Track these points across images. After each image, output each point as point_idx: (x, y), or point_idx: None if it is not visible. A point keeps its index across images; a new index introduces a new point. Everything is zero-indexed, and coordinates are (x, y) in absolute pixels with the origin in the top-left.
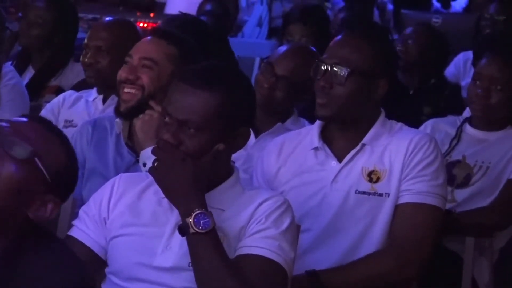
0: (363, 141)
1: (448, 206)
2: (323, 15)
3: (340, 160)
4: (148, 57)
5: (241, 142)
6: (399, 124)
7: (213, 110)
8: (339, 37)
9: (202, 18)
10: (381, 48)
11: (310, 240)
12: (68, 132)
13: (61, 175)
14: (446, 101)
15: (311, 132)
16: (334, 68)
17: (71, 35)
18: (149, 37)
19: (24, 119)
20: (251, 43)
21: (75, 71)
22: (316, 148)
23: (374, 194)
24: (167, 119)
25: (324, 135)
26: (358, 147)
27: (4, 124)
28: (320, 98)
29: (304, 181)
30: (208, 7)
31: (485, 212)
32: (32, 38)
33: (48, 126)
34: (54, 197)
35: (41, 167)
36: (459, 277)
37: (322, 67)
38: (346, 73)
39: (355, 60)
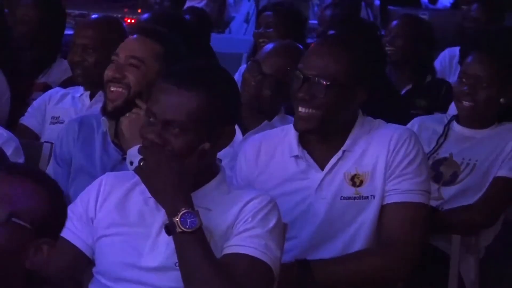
0: (344, 147)
1: (435, 203)
2: (296, 11)
3: (322, 168)
4: (134, 56)
5: (227, 141)
6: (377, 121)
7: (197, 109)
8: (317, 45)
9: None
10: (361, 56)
11: (299, 247)
12: (55, 129)
13: (49, 220)
14: (444, 99)
15: (289, 137)
16: (310, 82)
17: (58, 32)
18: (135, 36)
19: (1, 174)
20: (239, 39)
21: (62, 68)
22: (296, 156)
23: (360, 198)
24: (151, 119)
25: (303, 141)
26: (339, 154)
27: None
28: (299, 109)
29: (287, 190)
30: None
31: (472, 210)
32: (19, 36)
33: (27, 174)
34: (47, 239)
35: (23, 223)
36: (446, 275)
37: (301, 77)
38: (326, 85)
39: (334, 71)
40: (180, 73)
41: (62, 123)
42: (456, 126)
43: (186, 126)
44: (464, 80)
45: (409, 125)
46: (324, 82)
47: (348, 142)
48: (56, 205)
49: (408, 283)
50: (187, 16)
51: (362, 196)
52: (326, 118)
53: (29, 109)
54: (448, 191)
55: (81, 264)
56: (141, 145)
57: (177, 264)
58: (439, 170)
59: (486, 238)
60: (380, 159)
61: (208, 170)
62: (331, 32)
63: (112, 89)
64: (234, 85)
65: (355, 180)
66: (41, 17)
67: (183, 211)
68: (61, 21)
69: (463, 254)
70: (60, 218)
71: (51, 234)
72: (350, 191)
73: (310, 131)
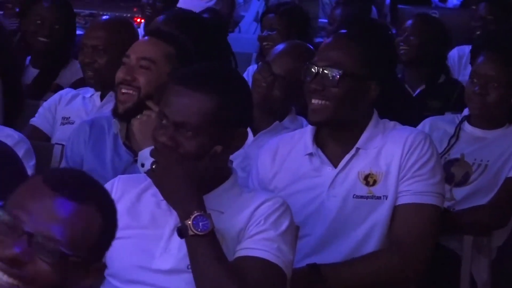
0: (357, 145)
1: (447, 204)
2: (299, 11)
3: (335, 165)
4: (145, 57)
5: (239, 143)
6: (392, 122)
7: (210, 112)
8: (330, 39)
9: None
10: (373, 51)
11: (311, 244)
12: (66, 129)
13: (99, 244)
14: (457, 101)
15: (304, 137)
16: (325, 71)
17: (71, 33)
18: (146, 37)
19: (52, 200)
20: (248, 38)
21: (73, 69)
22: (310, 154)
23: (372, 197)
24: (164, 121)
25: (318, 140)
26: (352, 151)
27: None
28: (312, 101)
29: (301, 187)
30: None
31: (484, 210)
32: (33, 38)
33: (80, 196)
34: (98, 263)
35: (76, 258)
36: (458, 276)
37: (313, 70)
38: (338, 75)
39: (347, 62)
40: (192, 76)
41: (73, 123)
42: (467, 127)
43: (199, 129)
44: (475, 80)
45: (420, 125)
46: (337, 73)
47: (361, 139)
48: (109, 226)
49: (420, 284)
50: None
51: (375, 196)
52: (338, 110)
53: (39, 110)
54: (460, 192)
55: None
56: (153, 147)
57: (189, 266)
58: (451, 171)
59: (498, 239)
60: (394, 160)
61: (220, 173)
62: (342, 31)
63: (123, 91)
64: (246, 87)
65: (368, 180)
66: (55, 19)
67: (196, 214)
68: (73, 22)
69: (475, 255)
70: (110, 240)
71: (101, 257)
72: (363, 190)
73: (323, 123)
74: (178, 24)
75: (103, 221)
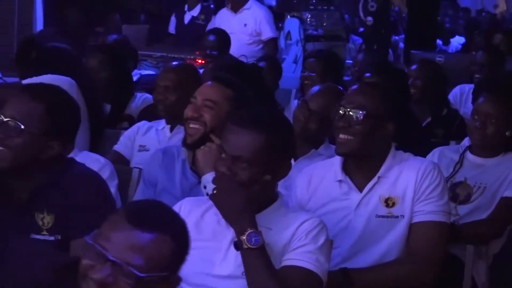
0: (379, 174)
1: (452, 219)
2: (335, 58)
3: (360, 190)
4: (209, 99)
5: (284, 172)
6: (407, 154)
7: (261, 147)
8: (355, 86)
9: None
10: (391, 95)
11: (341, 255)
12: (142, 156)
13: (173, 264)
14: (457, 129)
15: (334, 166)
16: (351, 112)
17: (129, 73)
18: (209, 82)
19: (130, 232)
20: (289, 77)
21: (137, 102)
22: (340, 181)
23: (391, 217)
24: (223, 155)
25: (345, 168)
26: (375, 179)
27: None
28: (340, 136)
29: (332, 208)
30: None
31: (483, 224)
32: (98, 81)
33: (154, 227)
34: (173, 276)
35: (152, 277)
36: (461, 278)
37: (341, 111)
38: (362, 116)
39: (369, 105)
40: (246, 118)
41: (148, 150)
42: (469, 155)
43: (252, 161)
44: (476, 117)
45: (430, 154)
46: (360, 114)
47: (382, 169)
48: (182, 248)
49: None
50: (262, 64)
51: (394, 216)
52: (361, 144)
53: (121, 138)
54: (463, 209)
55: None
56: (213, 172)
57: (243, 273)
58: (456, 192)
59: (494, 247)
60: (409, 185)
61: (269, 196)
62: (367, 74)
63: (191, 126)
64: (289, 126)
65: (388, 202)
66: (113, 68)
67: (249, 231)
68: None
69: (475, 260)
70: (184, 258)
71: (176, 271)
72: (384, 211)
73: (348, 154)
74: (236, 70)
75: (176, 246)
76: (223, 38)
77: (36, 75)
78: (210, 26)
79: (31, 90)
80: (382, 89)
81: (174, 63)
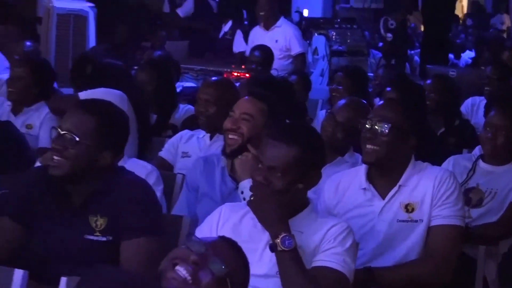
0: (400, 182)
1: (466, 221)
2: (361, 73)
3: (383, 197)
4: (246, 112)
5: (315, 181)
6: (425, 163)
7: (294, 159)
8: (381, 102)
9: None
10: (412, 110)
11: (365, 257)
12: (185, 162)
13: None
14: (469, 138)
15: (359, 174)
16: (376, 126)
17: (173, 86)
18: (246, 97)
19: (218, 240)
20: (316, 89)
21: (180, 113)
22: (364, 188)
23: (411, 221)
24: (260, 165)
25: (369, 177)
26: (396, 188)
27: (204, 241)
28: (366, 146)
29: (357, 214)
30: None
31: (494, 227)
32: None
33: (235, 246)
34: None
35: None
36: (473, 275)
37: (368, 124)
38: (387, 129)
39: (393, 119)
40: (280, 131)
41: (190, 157)
42: (481, 163)
43: (285, 171)
44: (488, 128)
45: (445, 162)
46: (386, 127)
47: (403, 178)
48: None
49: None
50: (294, 78)
51: (413, 220)
52: (385, 154)
53: (165, 145)
54: (475, 212)
55: None
56: (250, 179)
57: (277, 273)
58: (469, 196)
59: (503, 247)
60: (427, 192)
61: (301, 203)
62: (387, 88)
63: (230, 137)
64: (320, 140)
65: (408, 208)
66: (158, 81)
67: (283, 234)
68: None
69: (487, 259)
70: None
71: None
72: (404, 216)
73: (373, 163)
74: (269, 85)
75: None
76: (268, 54)
77: (90, 88)
78: (240, 42)
79: (85, 105)
80: (405, 105)
81: (213, 78)
